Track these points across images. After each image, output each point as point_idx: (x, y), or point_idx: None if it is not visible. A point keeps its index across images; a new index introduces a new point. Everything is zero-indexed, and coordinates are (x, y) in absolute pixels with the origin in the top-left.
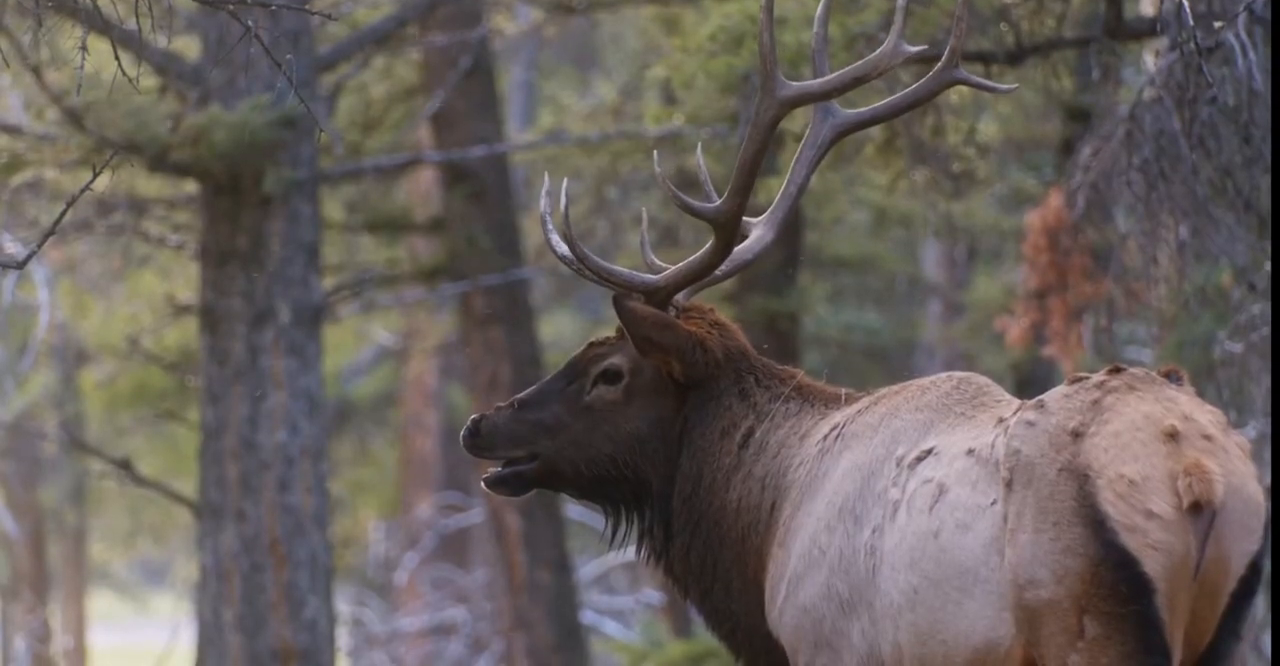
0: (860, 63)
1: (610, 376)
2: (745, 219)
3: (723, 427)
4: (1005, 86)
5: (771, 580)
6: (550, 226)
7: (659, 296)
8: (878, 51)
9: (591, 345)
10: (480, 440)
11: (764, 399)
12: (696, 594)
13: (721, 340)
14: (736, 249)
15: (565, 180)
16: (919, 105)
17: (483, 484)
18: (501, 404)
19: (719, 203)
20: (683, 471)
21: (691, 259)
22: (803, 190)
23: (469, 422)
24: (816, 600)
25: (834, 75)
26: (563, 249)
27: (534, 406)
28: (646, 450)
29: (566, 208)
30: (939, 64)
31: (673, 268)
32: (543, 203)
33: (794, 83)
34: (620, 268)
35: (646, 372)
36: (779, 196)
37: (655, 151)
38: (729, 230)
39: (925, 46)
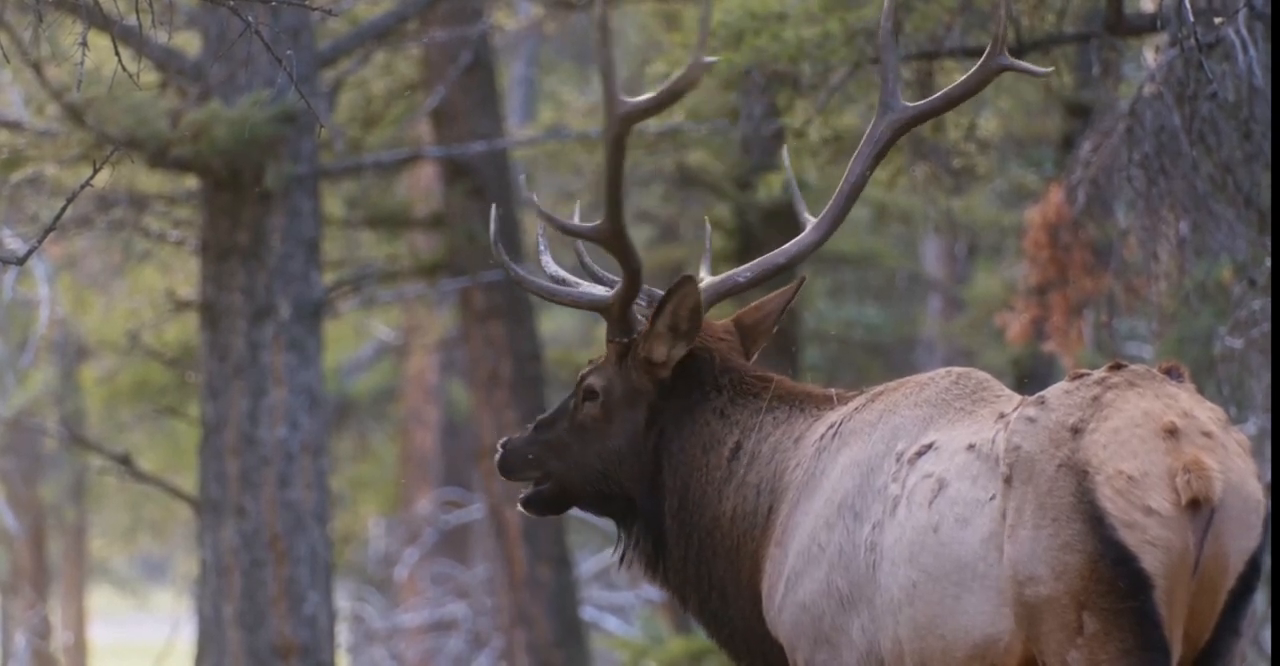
0: (674, 77)
1: (589, 394)
2: (807, 217)
3: (704, 443)
4: (1042, 69)
5: (769, 579)
6: (545, 247)
7: (613, 313)
8: (686, 65)
9: (589, 362)
10: (503, 464)
11: (745, 414)
12: (695, 602)
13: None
14: (770, 254)
15: (497, 211)
16: (971, 95)
17: (519, 506)
18: (529, 424)
19: (597, 222)
20: (668, 486)
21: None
22: (859, 189)
23: (497, 446)
24: (816, 596)
25: (655, 93)
26: (553, 268)
27: (546, 427)
28: (625, 465)
29: (497, 233)
30: (985, 53)
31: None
32: (539, 223)
33: (629, 99)
34: (574, 290)
35: (618, 388)
36: (834, 195)
37: (523, 176)
38: (615, 246)
39: (718, 59)
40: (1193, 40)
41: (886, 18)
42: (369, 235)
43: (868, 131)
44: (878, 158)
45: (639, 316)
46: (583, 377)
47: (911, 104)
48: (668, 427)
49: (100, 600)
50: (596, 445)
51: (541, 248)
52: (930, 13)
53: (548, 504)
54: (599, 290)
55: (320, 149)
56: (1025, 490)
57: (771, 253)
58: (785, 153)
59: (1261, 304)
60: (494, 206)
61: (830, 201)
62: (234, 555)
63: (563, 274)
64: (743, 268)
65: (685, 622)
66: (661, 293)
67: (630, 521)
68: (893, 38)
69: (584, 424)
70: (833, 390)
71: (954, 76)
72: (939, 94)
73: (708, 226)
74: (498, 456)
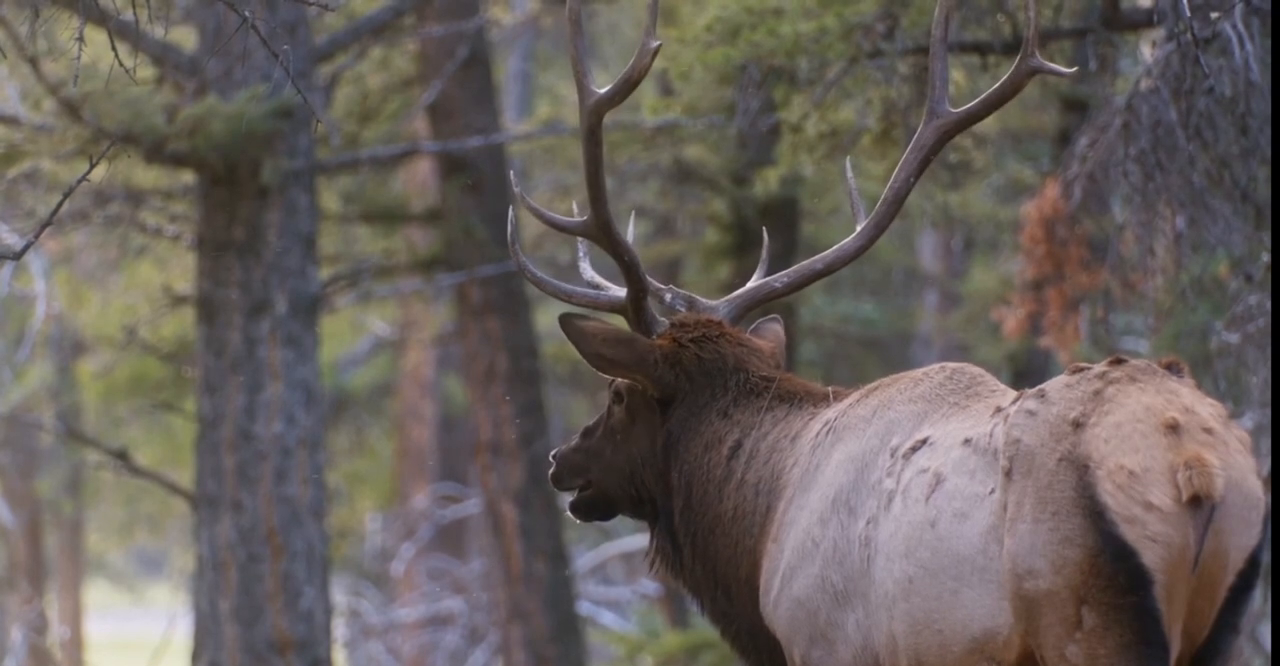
0: (627, 68)
1: (616, 397)
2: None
3: (705, 442)
4: (1068, 70)
5: (765, 574)
6: (521, 257)
7: (628, 313)
8: (635, 54)
9: None
10: (553, 476)
11: (747, 413)
12: (707, 602)
13: (696, 352)
14: (808, 261)
15: (513, 213)
16: (1008, 99)
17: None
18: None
19: (584, 217)
20: (674, 486)
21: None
22: (903, 196)
23: (550, 457)
24: (811, 592)
25: (614, 83)
26: (590, 274)
27: (588, 434)
28: (647, 467)
29: (515, 234)
30: (1018, 57)
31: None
32: (511, 223)
33: (599, 90)
34: (582, 288)
35: (638, 391)
36: (879, 203)
37: (510, 172)
38: (603, 240)
39: (661, 42)
40: (1189, 35)
41: (938, 25)
42: (365, 230)
43: (914, 139)
44: (924, 164)
45: (657, 316)
46: (612, 380)
47: (957, 110)
48: (674, 428)
49: (97, 595)
50: (625, 448)
51: (581, 254)
52: (927, 7)
53: (590, 508)
54: (616, 291)
55: (317, 144)
56: (1025, 483)
57: (809, 259)
58: (848, 163)
59: (1258, 299)
60: (510, 209)
61: (875, 208)
62: (230, 550)
63: (599, 279)
64: (779, 274)
65: (681, 617)
66: (666, 286)
67: (654, 524)
68: (943, 44)
69: (614, 427)
70: (830, 388)
71: (952, 72)
72: (979, 99)
73: (765, 237)
74: (550, 470)
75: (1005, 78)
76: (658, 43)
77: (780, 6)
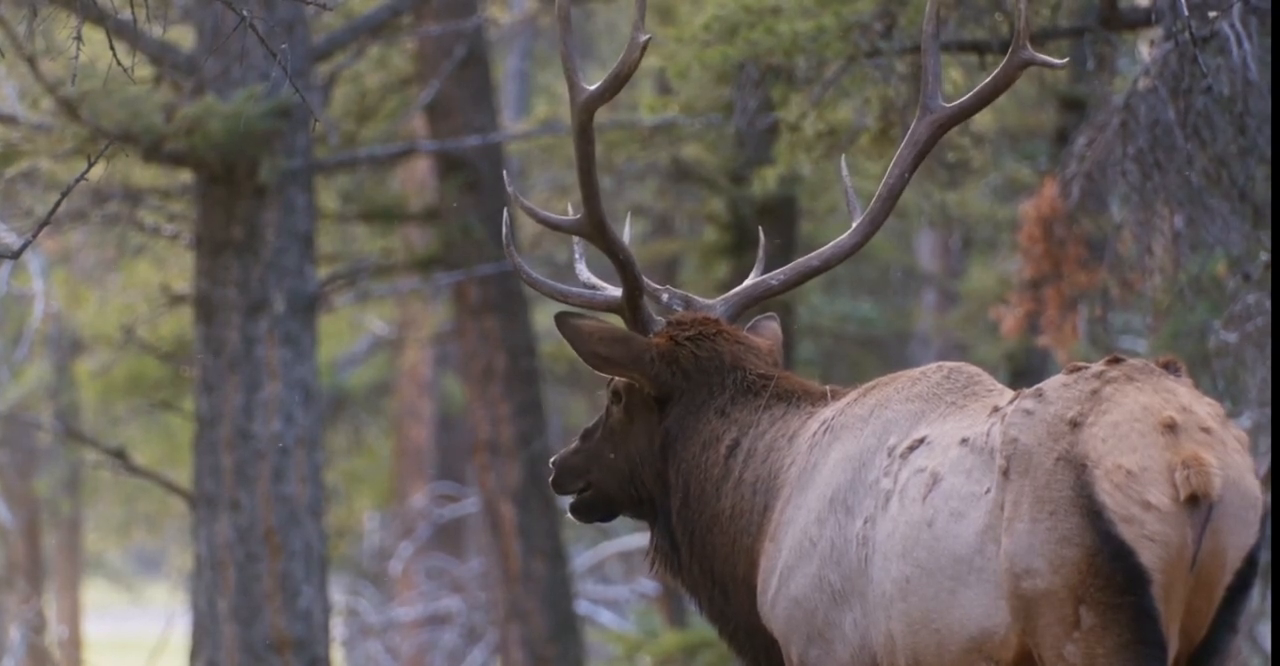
0: (617, 64)
1: (614, 397)
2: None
3: (703, 441)
4: (1060, 61)
5: (762, 573)
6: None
7: (624, 312)
8: (624, 50)
9: None
10: (554, 482)
11: (744, 412)
12: (704, 601)
13: (693, 351)
14: (805, 258)
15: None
16: (1001, 91)
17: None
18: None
19: (578, 216)
20: (672, 485)
21: None
22: (898, 192)
23: (550, 464)
24: (808, 591)
25: (605, 78)
26: (586, 275)
27: (587, 436)
28: (646, 466)
29: (509, 234)
30: (1009, 49)
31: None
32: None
33: (590, 87)
34: (578, 288)
35: (636, 390)
36: (873, 199)
37: (504, 172)
38: (597, 238)
39: (651, 35)
40: (1188, 34)
41: (929, 21)
42: (363, 229)
43: (908, 134)
44: (918, 160)
45: (654, 315)
46: (610, 380)
47: (950, 104)
48: (672, 427)
49: (95, 594)
50: (624, 448)
51: (576, 254)
52: (924, 6)
53: (591, 509)
54: (612, 291)
55: (315, 143)
56: (1022, 483)
57: (805, 256)
58: (843, 162)
59: (1256, 298)
60: (505, 211)
61: (869, 204)
62: (229, 549)
63: (594, 279)
64: (775, 271)
65: (680, 616)
66: (662, 286)
67: (654, 523)
68: (934, 40)
69: (612, 428)
70: (828, 387)
71: (950, 71)
72: (972, 93)
73: (761, 237)
74: (550, 477)
75: (998, 70)
76: (647, 37)
77: (778, 5)
